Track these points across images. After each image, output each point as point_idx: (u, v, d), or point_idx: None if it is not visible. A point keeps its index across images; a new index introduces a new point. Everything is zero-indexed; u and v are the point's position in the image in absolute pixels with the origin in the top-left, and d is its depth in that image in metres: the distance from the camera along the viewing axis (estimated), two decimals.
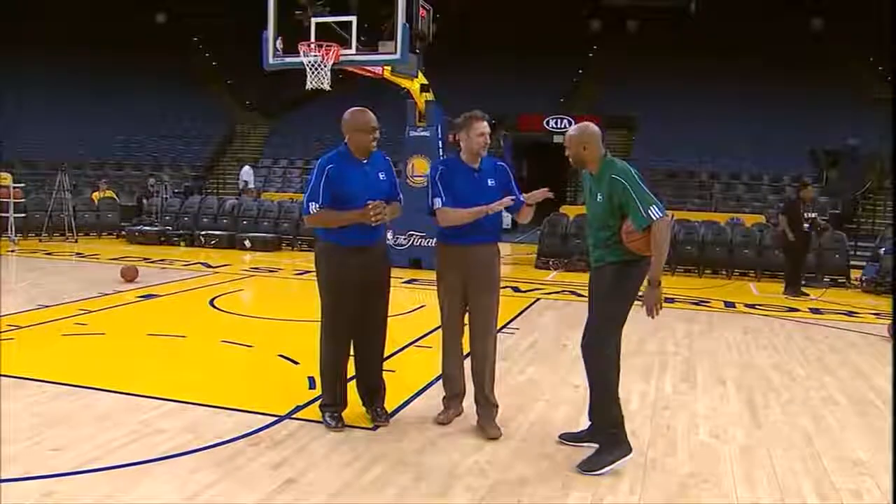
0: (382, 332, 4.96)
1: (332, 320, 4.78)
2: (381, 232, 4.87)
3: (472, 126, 4.72)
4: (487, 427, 4.79)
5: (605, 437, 4.33)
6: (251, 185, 22.41)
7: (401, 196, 4.96)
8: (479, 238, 4.77)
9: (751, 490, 4.12)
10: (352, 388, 4.98)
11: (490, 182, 4.79)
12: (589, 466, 4.25)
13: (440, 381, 5.11)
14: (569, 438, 4.67)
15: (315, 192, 4.66)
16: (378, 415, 4.94)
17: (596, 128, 4.44)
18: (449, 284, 4.82)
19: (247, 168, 23.76)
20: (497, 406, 4.91)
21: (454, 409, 4.97)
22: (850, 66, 28.46)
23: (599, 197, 4.32)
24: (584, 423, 4.74)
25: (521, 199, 4.82)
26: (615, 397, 4.33)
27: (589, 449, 4.44)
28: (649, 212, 4.12)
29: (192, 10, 32.87)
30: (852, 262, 13.64)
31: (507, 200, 4.70)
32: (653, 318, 4.23)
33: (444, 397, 5.00)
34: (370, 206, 4.57)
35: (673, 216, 15.89)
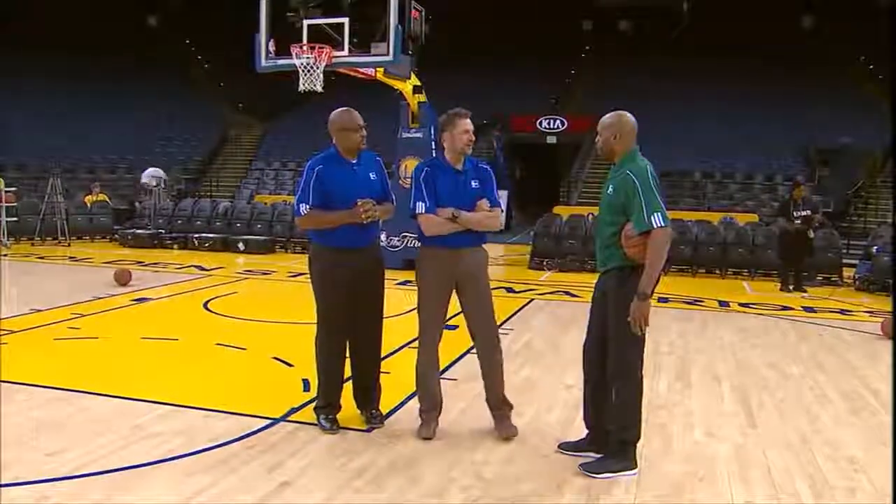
0: (378, 334, 4.94)
1: (326, 323, 4.78)
2: (373, 233, 4.86)
3: (455, 123, 4.63)
4: (504, 427, 4.77)
5: (614, 446, 4.27)
6: (152, 186, 19.94)
7: (393, 197, 4.96)
8: (470, 241, 4.67)
9: (746, 489, 4.13)
10: (347, 389, 4.98)
11: (474, 184, 4.70)
12: (590, 469, 4.24)
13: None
14: (569, 448, 4.58)
15: (305, 194, 4.67)
16: (373, 416, 4.93)
17: (632, 119, 4.27)
18: (435, 292, 4.70)
19: (150, 170, 20.68)
20: (511, 406, 4.88)
21: (435, 422, 4.82)
22: (841, 65, 28.54)
23: (611, 188, 4.22)
24: (578, 425, 4.73)
25: (498, 202, 4.74)
26: (638, 414, 4.27)
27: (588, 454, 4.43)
28: (652, 217, 3.97)
29: (185, 12, 32.80)
30: (845, 261, 13.68)
31: (484, 207, 4.63)
32: (639, 333, 4.07)
33: (422, 410, 4.84)
34: (360, 204, 4.57)
35: None
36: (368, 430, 4.83)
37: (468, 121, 4.66)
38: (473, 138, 4.68)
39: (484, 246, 4.84)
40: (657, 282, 4.11)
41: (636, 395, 4.25)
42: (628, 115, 4.29)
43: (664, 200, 4.10)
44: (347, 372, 4.94)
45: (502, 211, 4.81)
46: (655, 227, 3.97)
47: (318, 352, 4.86)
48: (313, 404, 4.97)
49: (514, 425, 4.80)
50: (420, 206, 4.63)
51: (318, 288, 4.80)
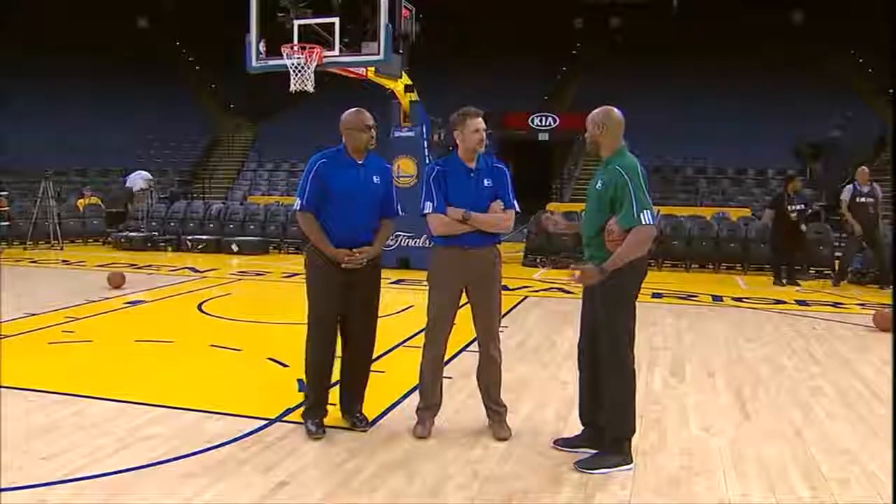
0: (371, 341, 4.89)
1: (317, 324, 4.74)
2: (367, 236, 4.77)
3: (465, 123, 4.63)
4: (498, 429, 4.77)
5: (609, 443, 4.28)
6: (140, 187, 19.51)
7: (398, 209, 4.93)
8: (481, 240, 4.68)
9: (741, 482, 4.14)
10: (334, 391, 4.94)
11: (486, 182, 4.69)
12: (586, 465, 4.24)
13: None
14: (564, 444, 4.58)
15: (302, 189, 4.69)
16: (358, 420, 4.88)
17: (620, 115, 4.28)
18: (445, 291, 4.71)
19: (136, 173, 20.27)
20: (506, 407, 4.89)
21: (431, 421, 4.83)
22: (831, 59, 28.65)
23: (599, 184, 4.23)
24: (573, 421, 4.75)
25: (513, 203, 4.74)
26: (631, 408, 4.28)
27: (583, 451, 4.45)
28: (641, 214, 3.99)
29: (175, 14, 32.75)
30: (837, 254, 13.71)
31: (497, 209, 4.63)
32: (571, 283, 4.14)
33: (420, 408, 4.84)
34: (352, 251, 4.59)
35: (659, 212, 16.01)
36: (364, 430, 4.83)
37: (479, 120, 4.65)
38: (484, 137, 4.68)
39: (497, 246, 4.84)
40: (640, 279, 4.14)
41: (629, 390, 4.27)
42: (615, 110, 4.30)
43: (650, 197, 4.12)
44: (335, 375, 4.90)
45: (518, 212, 4.81)
46: (643, 223, 4.01)
47: (307, 354, 4.81)
48: (302, 408, 4.90)
49: (508, 427, 4.80)
50: (428, 206, 4.65)
51: (310, 289, 4.78)
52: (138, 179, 19.61)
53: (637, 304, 4.32)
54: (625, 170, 4.11)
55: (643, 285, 4.35)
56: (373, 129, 4.74)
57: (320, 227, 4.66)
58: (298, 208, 4.69)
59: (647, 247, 4.09)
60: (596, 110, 4.33)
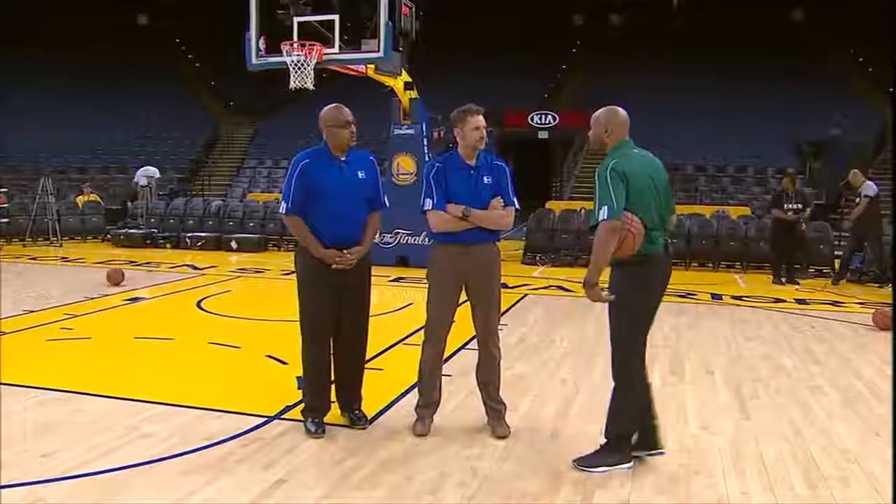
0: (363, 337, 4.86)
1: (310, 323, 4.71)
2: (357, 232, 4.74)
3: (466, 120, 4.62)
4: (497, 426, 4.76)
5: (609, 441, 4.28)
6: (142, 184, 19.35)
7: (385, 200, 4.90)
8: (481, 237, 4.68)
9: (740, 480, 4.14)
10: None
11: (486, 179, 4.68)
12: (584, 463, 4.24)
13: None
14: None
15: (288, 190, 4.66)
16: (356, 418, 4.87)
17: (624, 114, 4.24)
18: (444, 288, 4.70)
19: (143, 168, 20.16)
20: (505, 405, 4.88)
21: (430, 419, 4.82)
22: (831, 57, 28.64)
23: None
24: (573, 419, 4.74)
25: (513, 201, 4.73)
26: (631, 409, 4.26)
27: (582, 447, 4.44)
28: (599, 212, 3.94)
29: (174, 11, 32.70)
30: (837, 253, 13.72)
31: (497, 206, 4.62)
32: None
33: (419, 406, 4.84)
34: (344, 253, 4.57)
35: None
36: (363, 427, 4.82)
37: (480, 117, 4.64)
38: (485, 134, 4.67)
39: (497, 243, 4.83)
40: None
41: (630, 392, 4.26)
42: (621, 110, 4.27)
43: (616, 194, 3.96)
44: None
45: (517, 209, 4.81)
46: (599, 220, 3.95)
47: (303, 353, 4.77)
48: (301, 407, 4.89)
49: (507, 425, 4.79)
50: (428, 203, 4.64)
51: (302, 287, 4.75)
52: (141, 175, 19.60)
53: None
54: (599, 169, 4.08)
55: None
56: (352, 125, 4.70)
57: (308, 228, 4.63)
58: (284, 212, 4.67)
59: (611, 240, 3.93)
60: (601, 110, 4.29)
